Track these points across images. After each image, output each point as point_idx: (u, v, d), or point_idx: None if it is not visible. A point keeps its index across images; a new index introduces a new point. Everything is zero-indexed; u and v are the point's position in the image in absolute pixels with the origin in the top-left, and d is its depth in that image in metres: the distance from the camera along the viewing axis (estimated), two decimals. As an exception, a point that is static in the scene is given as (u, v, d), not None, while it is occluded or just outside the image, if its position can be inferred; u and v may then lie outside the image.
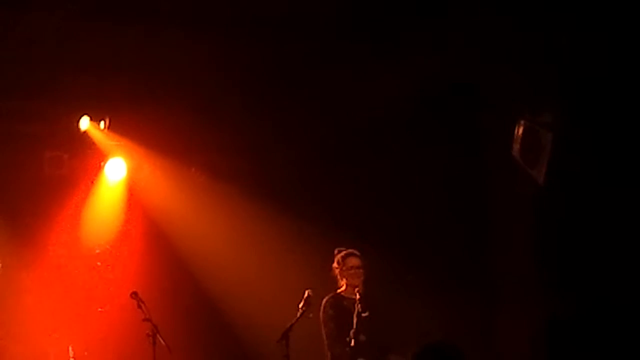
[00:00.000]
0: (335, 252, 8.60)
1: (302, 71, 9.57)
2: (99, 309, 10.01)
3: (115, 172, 10.59)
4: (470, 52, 8.97)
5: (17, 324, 9.69)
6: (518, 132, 8.46)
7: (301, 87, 9.84)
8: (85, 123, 10.17)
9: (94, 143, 10.34)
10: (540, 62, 8.40)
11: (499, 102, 9.11)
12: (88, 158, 10.50)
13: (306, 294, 8.06)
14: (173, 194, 10.62)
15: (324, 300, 8.51)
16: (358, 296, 8.23)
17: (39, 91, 9.66)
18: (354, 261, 8.51)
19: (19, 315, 9.77)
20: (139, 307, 8.46)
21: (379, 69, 9.35)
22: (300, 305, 8.01)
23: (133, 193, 10.68)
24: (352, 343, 8.04)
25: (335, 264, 8.57)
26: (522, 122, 8.41)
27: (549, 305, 8.54)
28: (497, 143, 8.95)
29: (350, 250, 8.57)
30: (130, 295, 8.55)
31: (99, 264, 10.36)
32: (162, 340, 8.25)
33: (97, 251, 10.45)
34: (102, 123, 10.19)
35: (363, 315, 8.17)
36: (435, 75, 9.33)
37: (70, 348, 9.57)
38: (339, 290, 8.56)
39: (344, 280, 8.52)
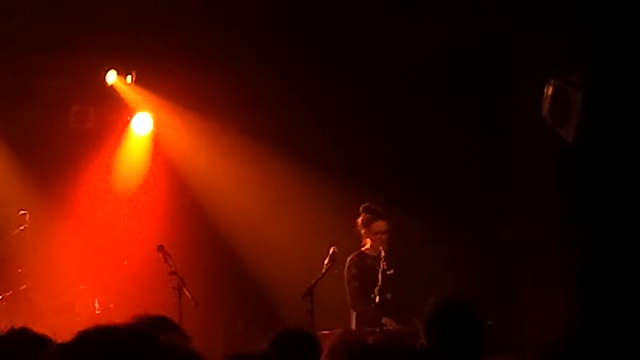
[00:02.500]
0: (361, 209, 8.51)
1: (328, 27, 9.51)
2: (125, 262, 10.06)
3: (142, 126, 10.61)
4: (501, 9, 8.88)
5: (44, 276, 9.75)
6: (548, 91, 8.39)
7: (328, 44, 9.78)
8: (112, 77, 10.17)
9: (120, 97, 10.35)
10: (570, 21, 8.31)
11: (529, 60, 9.03)
12: (115, 112, 10.52)
13: (331, 251, 8.03)
14: (199, 149, 10.62)
15: (348, 259, 8.49)
16: (383, 254, 8.22)
17: (66, 45, 9.65)
18: (380, 226, 8.43)
19: (46, 267, 9.83)
20: (165, 260, 8.52)
21: (409, 23, 9.28)
22: (325, 262, 7.99)
23: (159, 147, 10.70)
24: (377, 300, 8.05)
25: (360, 223, 8.50)
26: (552, 81, 8.34)
27: (572, 265, 8.52)
28: (526, 102, 8.88)
29: (377, 213, 8.48)
30: (157, 248, 8.61)
31: (125, 217, 10.41)
32: (188, 294, 8.30)
33: (124, 205, 10.50)
34: (128, 77, 10.19)
35: (388, 272, 8.17)
36: (463, 34, 9.25)
37: (96, 301, 9.65)
38: (363, 248, 8.54)
39: (369, 240, 8.50)
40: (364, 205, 8.51)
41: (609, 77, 8.04)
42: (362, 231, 8.51)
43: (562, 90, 8.17)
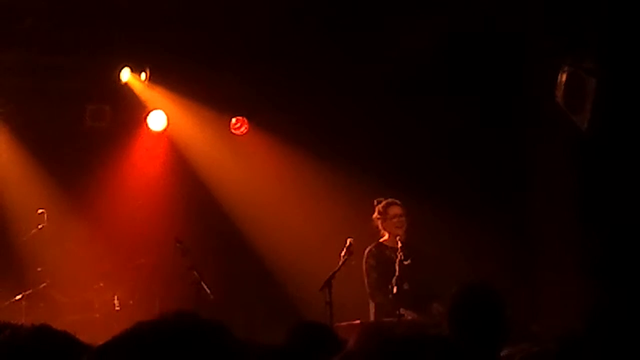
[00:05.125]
0: (375, 202, 8.57)
1: (345, 22, 9.50)
2: (143, 259, 10.08)
3: (157, 123, 10.64)
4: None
5: (63, 274, 9.80)
6: (561, 78, 8.37)
7: (342, 40, 9.76)
8: (126, 75, 10.20)
9: (135, 95, 10.39)
10: (584, 7, 8.28)
11: (543, 48, 9.00)
12: (129, 110, 10.55)
13: (348, 243, 8.06)
14: (214, 144, 10.65)
15: (366, 250, 8.50)
16: (400, 244, 8.24)
17: (79, 44, 9.70)
18: (396, 210, 8.48)
19: (65, 265, 9.88)
20: (184, 255, 8.56)
21: (420, 15, 9.27)
22: (342, 254, 8.03)
23: (174, 144, 10.72)
24: (395, 291, 8.05)
25: (376, 214, 8.53)
26: (565, 68, 8.32)
27: (589, 250, 8.51)
28: (541, 89, 8.86)
29: (391, 200, 8.55)
30: (175, 244, 8.65)
31: (143, 214, 10.43)
32: (206, 288, 8.33)
33: (140, 201, 10.53)
34: (142, 74, 10.22)
35: (405, 263, 8.18)
36: (478, 21, 9.24)
37: (115, 297, 9.68)
38: (381, 240, 8.56)
39: (386, 229, 8.52)
40: (376, 200, 8.56)
41: (623, 62, 8.02)
42: (379, 222, 8.54)
43: (576, 77, 8.15)
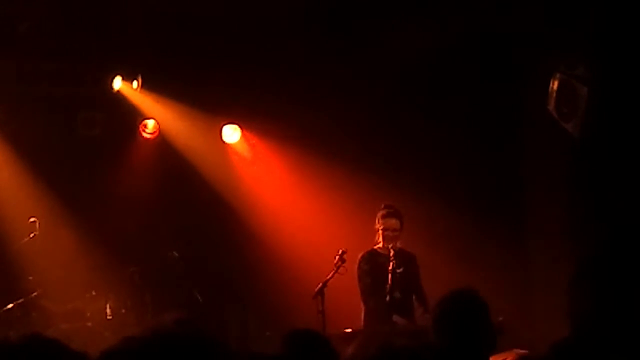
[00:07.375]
0: (382, 206, 8.47)
1: (347, 25, 9.53)
2: (135, 267, 10.06)
3: (150, 130, 10.64)
4: (508, 4, 8.90)
5: (55, 283, 9.77)
6: (553, 86, 8.39)
7: (342, 43, 9.78)
8: (118, 83, 10.20)
9: (127, 103, 10.38)
10: (575, 15, 8.31)
11: (534, 55, 9.03)
12: (121, 118, 10.55)
13: (340, 251, 8.08)
14: (206, 151, 10.65)
15: (360, 256, 8.49)
16: (392, 252, 8.24)
17: (72, 52, 9.71)
18: (393, 223, 8.36)
19: (57, 274, 9.85)
20: (176, 263, 8.56)
21: (416, 19, 9.29)
22: (335, 262, 8.04)
23: (166, 151, 10.71)
24: (387, 299, 8.07)
25: (376, 220, 8.52)
26: (557, 75, 8.34)
27: (582, 255, 8.51)
28: (533, 96, 8.89)
29: (391, 211, 8.45)
30: (167, 252, 8.64)
31: (134, 221, 10.41)
32: (198, 297, 8.33)
33: (132, 210, 10.51)
34: (134, 82, 10.22)
35: (398, 271, 8.19)
36: (471, 27, 9.26)
37: (107, 306, 9.66)
38: (375, 246, 8.52)
39: (381, 237, 8.48)
40: (386, 202, 8.50)
41: (615, 70, 8.05)
42: (377, 226, 8.47)
43: (568, 84, 8.17)
